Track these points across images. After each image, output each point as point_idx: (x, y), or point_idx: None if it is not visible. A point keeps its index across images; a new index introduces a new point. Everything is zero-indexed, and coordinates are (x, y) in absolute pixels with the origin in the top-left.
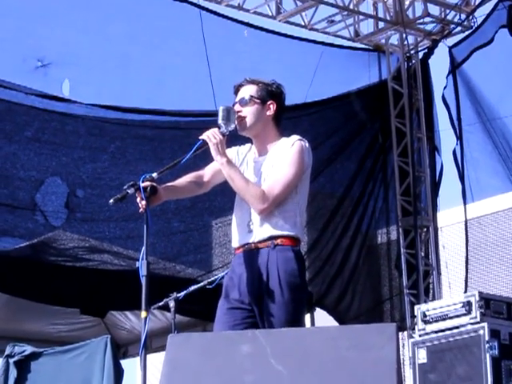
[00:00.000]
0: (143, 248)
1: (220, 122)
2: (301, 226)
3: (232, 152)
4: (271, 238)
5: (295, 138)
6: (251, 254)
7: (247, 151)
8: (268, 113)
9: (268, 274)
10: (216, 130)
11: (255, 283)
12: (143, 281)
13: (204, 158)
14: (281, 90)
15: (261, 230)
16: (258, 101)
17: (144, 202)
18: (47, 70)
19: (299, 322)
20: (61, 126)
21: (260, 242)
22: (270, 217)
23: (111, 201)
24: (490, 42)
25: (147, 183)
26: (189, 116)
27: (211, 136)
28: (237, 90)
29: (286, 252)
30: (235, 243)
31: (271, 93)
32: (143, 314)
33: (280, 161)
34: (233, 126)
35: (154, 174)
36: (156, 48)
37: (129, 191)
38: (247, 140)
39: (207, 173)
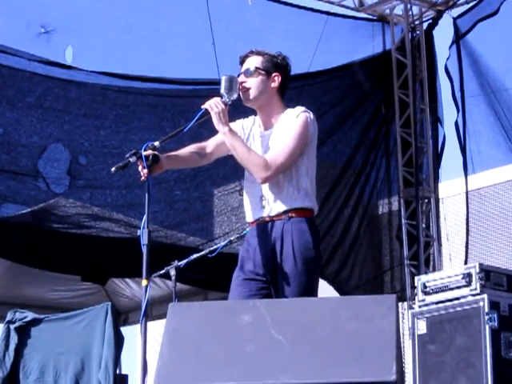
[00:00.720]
0: (144, 217)
1: (222, 91)
2: (313, 196)
3: (237, 126)
4: (286, 211)
5: (300, 109)
6: (266, 226)
7: (252, 125)
8: (273, 85)
9: (282, 245)
10: (218, 99)
11: (270, 255)
12: (144, 250)
13: (207, 127)
14: (286, 62)
15: (275, 205)
16: (263, 72)
17: (146, 171)
18: (50, 37)
19: (312, 293)
20: (63, 92)
21: (275, 215)
22: (282, 189)
23: (113, 169)
24: (495, 13)
25: (149, 152)
26: (192, 84)
27: (213, 105)
28: (242, 61)
29: (301, 224)
30: (249, 218)
31: (277, 64)
32: (144, 282)
33: (285, 132)
34: (235, 96)
35: (156, 143)
36: (160, 16)
37: (131, 159)
38: (250, 111)
39: (210, 144)
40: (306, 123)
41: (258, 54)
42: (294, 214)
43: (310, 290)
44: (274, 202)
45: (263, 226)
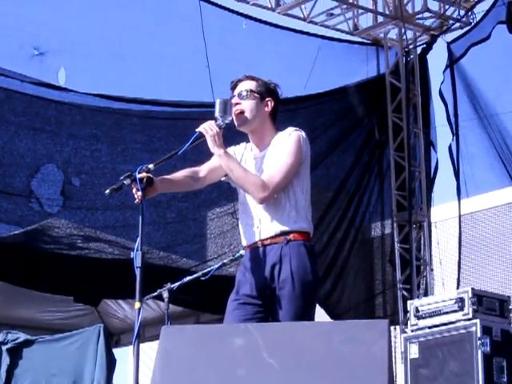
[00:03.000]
0: (138, 239)
1: (217, 114)
2: (309, 218)
3: (229, 151)
4: (283, 233)
5: (291, 129)
6: (263, 250)
7: (243, 150)
8: (266, 109)
9: (280, 269)
10: (212, 122)
11: (267, 278)
12: (137, 272)
13: (201, 150)
14: (278, 89)
15: (272, 226)
16: (257, 96)
17: (140, 194)
18: (43, 58)
19: (309, 317)
20: (57, 114)
21: (271, 238)
22: (281, 210)
23: (107, 191)
24: (487, 38)
25: (143, 174)
26: (186, 107)
27: (208, 128)
28: (235, 86)
29: (299, 247)
30: (245, 241)
31: (270, 90)
32: (137, 304)
33: (278, 152)
34: (229, 119)
35: (151, 166)
36: (154, 38)
37: (125, 182)
38: (241, 137)
39: (204, 169)
40: (299, 141)
41: (252, 78)
42: (291, 237)
43: (307, 314)
44: (271, 222)
45: (260, 250)
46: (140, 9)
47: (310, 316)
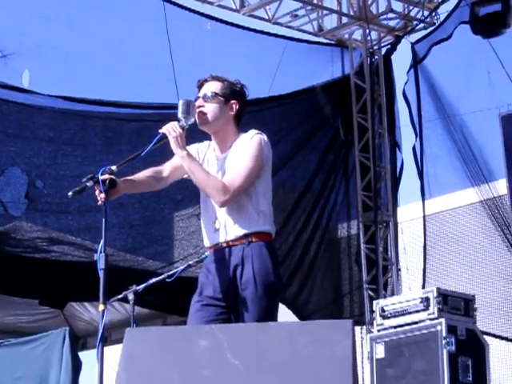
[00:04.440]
0: (102, 241)
1: (180, 115)
2: (271, 219)
3: (192, 150)
4: (245, 235)
5: (253, 132)
6: (225, 251)
7: (206, 149)
8: (230, 112)
9: (243, 270)
10: (175, 123)
11: (230, 280)
12: (101, 274)
13: (164, 151)
14: (244, 90)
15: (234, 228)
16: (221, 98)
17: (103, 195)
18: (7, 61)
19: (272, 318)
20: (21, 116)
21: (234, 240)
22: (243, 212)
23: (70, 193)
24: (448, 38)
25: (106, 176)
26: (150, 108)
27: (171, 129)
28: (200, 85)
29: (261, 249)
30: (206, 242)
31: (235, 92)
32: (101, 306)
33: (240, 155)
34: (192, 120)
35: (114, 167)
36: (118, 39)
37: (88, 184)
38: (204, 136)
39: (166, 168)
40: (260, 145)
41: (218, 79)
42: (253, 239)
43: (270, 315)
44: (234, 224)
45: (222, 251)
46: (104, 10)
47: (273, 316)
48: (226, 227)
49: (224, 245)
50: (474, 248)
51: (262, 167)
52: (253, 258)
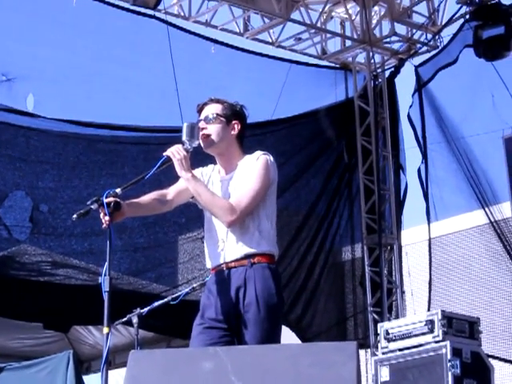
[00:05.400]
0: (106, 263)
1: (184, 138)
2: (274, 241)
3: (196, 173)
4: (247, 256)
5: (259, 153)
6: (227, 273)
7: (211, 171)
8: (232, 132)
9: (245, 292)
10: (180, 146)
11: (232, 301)
12: (105, 297)
13: (168, 174)
14: (244, 111)
15: (237, 249)
16: (223, 119)
17: (107, 218)
18: (12, 85)
19: (275, 340)
20: (25, 140)
21: (236, 260)
22: (246, 232)
23: (74, 216)
24: (454, 62)
25: (111, 199)
26: (154, 132)
27: (175, 152)
28: (201, 109)
29: (263, 270)
30: (209, 264)
31: (236, 113)
32: (105, 329)
33: (246, 176)
34: (197, 143)
35: (118, 190)
36: (122, 63)
37: (92, 207)
38: (209, 160)
39: (171, 192)
40: (266, 165)
41: (218, 101)
42: (256, 260)
43: (273, 337)
44: (236, 245)
45: (225, 273)
46: (109, 34)
47: (276, 338)
48: (229, 248)
49: (226, 266)
50: (479, 270)
51: (268, 188)
52: (255, 279)
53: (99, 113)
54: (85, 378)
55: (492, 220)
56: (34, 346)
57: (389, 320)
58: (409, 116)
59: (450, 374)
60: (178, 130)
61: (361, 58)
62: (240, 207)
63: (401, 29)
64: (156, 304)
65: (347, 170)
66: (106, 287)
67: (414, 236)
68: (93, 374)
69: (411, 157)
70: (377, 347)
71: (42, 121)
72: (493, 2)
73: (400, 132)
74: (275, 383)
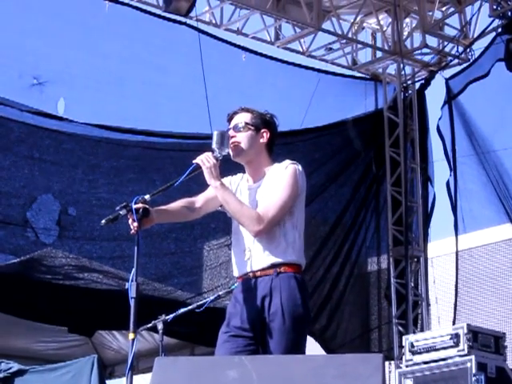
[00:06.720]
0: (133, 269)
1: (214, 146)
2: (301, 250)
3: (225, 181)
4: (274, 265)
5: (288, 162)
6: (254, 281)
7: (240, 180)
8: (261, 140)
9: (271, 302)
10: (209, 154)
11: (257, 311)
12: (132, 303)
13: (198, 181)
14: (274, 120)
15: (263, 258)
16: (252, 127)
17: (136, 224)
18: (43, 88)
19: (300, 350)
20: (55, 143)
21: (262, 269)
22: (273, 241)
23: (103, 221)
24: (486, 75)
25: (140, 205)
26: (183, 138)
27: (205, 160)
28: (230, 118)
29: (289, 280)
30: (236, 272)
31: (265, 121)
32: (131, 335)
33: (274, 184)
34: (226, 151)
35: (147, 196)
36: (153, 68)
37: (121, 212)
38: (238, 169)
39: (200, 199)
40: (295, 174)
41: (247, 110)
42: (282, 269)
43: (297, 347)
44: (263, 254)
45: (251, 282)
46: (140, 40)
47: (301, 349)
48: (256, 257)
49: (253, 275)
50: (506, 284)
51: (297, 197)
52: (281, 289)
53: (129, 118)
54: (108, 382)
55: None
56: (58, 349)
57: (414, 332)
58: (438, 128)
59: None
60: (208, 137)
61: (391, 69)
62: (267, 217)
63: (432, 41)
64: (181, 311)
65: (375, 181)
66: (132, 293)
67: (440, 248)
68: (116, 378)
69: (439, 169)
70: (401, 359)
71: (72, 125)
72: None
73: (429, 144)
74: None
